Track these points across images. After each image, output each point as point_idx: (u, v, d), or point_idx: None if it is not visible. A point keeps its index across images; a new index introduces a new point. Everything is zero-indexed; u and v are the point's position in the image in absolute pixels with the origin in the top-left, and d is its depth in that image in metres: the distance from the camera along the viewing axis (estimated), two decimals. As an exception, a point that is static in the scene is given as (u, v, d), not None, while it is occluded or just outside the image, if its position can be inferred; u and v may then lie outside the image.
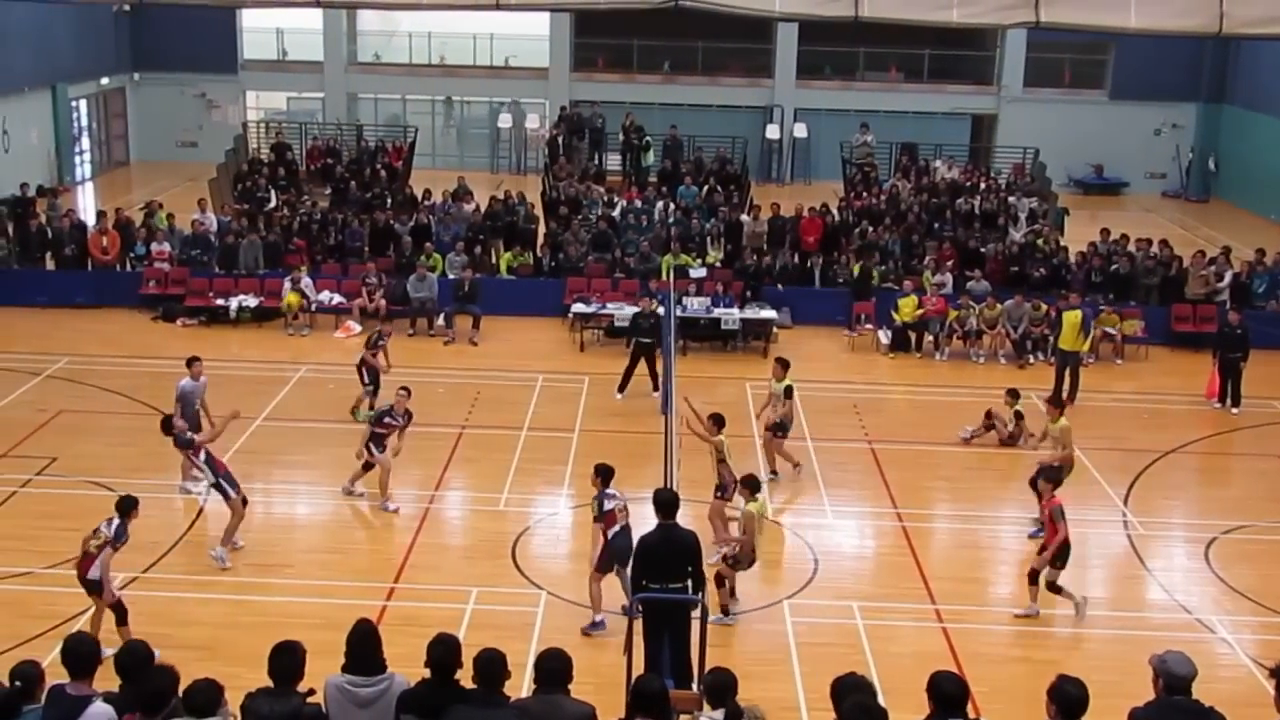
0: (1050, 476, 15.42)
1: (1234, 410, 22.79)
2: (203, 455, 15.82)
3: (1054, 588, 14.90)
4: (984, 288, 26.86)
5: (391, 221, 29.65)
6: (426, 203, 31.19)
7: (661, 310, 22.43)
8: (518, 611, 14.69)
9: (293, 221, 29.90)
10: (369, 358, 20.68)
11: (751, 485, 14.50)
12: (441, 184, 32.67)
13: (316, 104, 47.00)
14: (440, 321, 26.35)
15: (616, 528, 14.13)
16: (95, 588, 13.22)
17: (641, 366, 22.44)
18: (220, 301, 26.83)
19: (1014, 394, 20.57)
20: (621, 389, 22.43)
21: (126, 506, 13.51)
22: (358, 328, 26.18)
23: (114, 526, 13.31)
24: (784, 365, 18.86)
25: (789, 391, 18.66)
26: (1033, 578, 15.00)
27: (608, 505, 14.22)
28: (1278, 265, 28.02)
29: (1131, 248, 28.82)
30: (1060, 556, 14.76)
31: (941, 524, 18.36)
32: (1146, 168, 46.26)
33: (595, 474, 14.45)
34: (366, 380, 20.63)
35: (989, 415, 20.69)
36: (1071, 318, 23.05)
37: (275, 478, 18.69)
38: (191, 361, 18.49)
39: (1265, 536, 17.48)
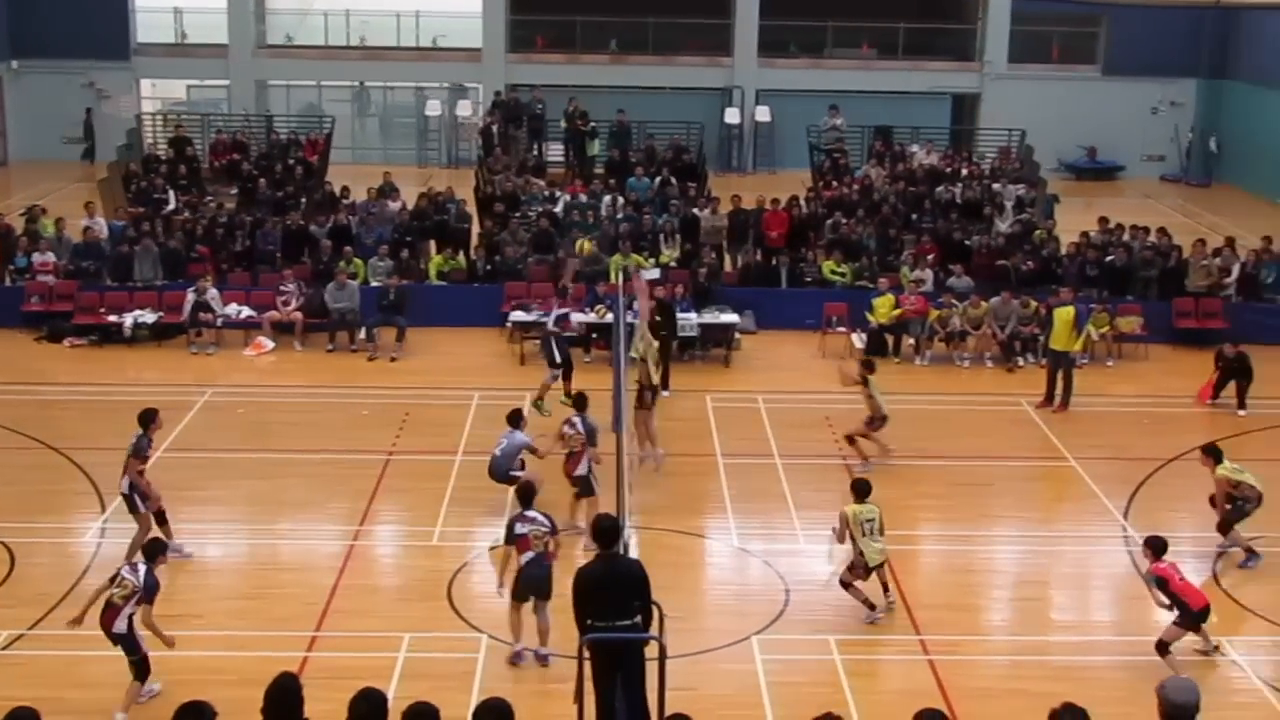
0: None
1: (1240, 412, 23.22)
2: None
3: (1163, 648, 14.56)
4: (967, 284, 27.05)
5: (307, 224, 29.54)
6: (346, 202, 31.08)
7: (610, 317, 22.55)
8: (456, 659, 14.60)
9: (195, 226, 29.71)
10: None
11: (860, 489, 15.83)
12: (363, 180, 32.57)
13: (221, 93, 46.71)
14: (363, 335, 26.26)
15: (529, 555, 14.28)
16: (123, 642, 13.32)
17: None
18: (113, 318, 26.57)
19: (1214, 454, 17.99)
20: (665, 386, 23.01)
21: (152, 552, 13.75)
22: (270, 345, 26.05)
23: (140, 573, 13.33)
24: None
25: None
26: (1162, 649, 14.54)
27: (519, 529, 14.37)
28: (1288, 253, 28.35)
29: (1128, 237, 29.12)
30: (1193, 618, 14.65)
31: (928, 546, 18.46)
32: (1143, 149, 46.75)
33: (515, 493, 14.61)
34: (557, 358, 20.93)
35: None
36: (1064, 315, 23.26)
37: (181, 516, 18.44)
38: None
39: (1278, 550, 17.63)
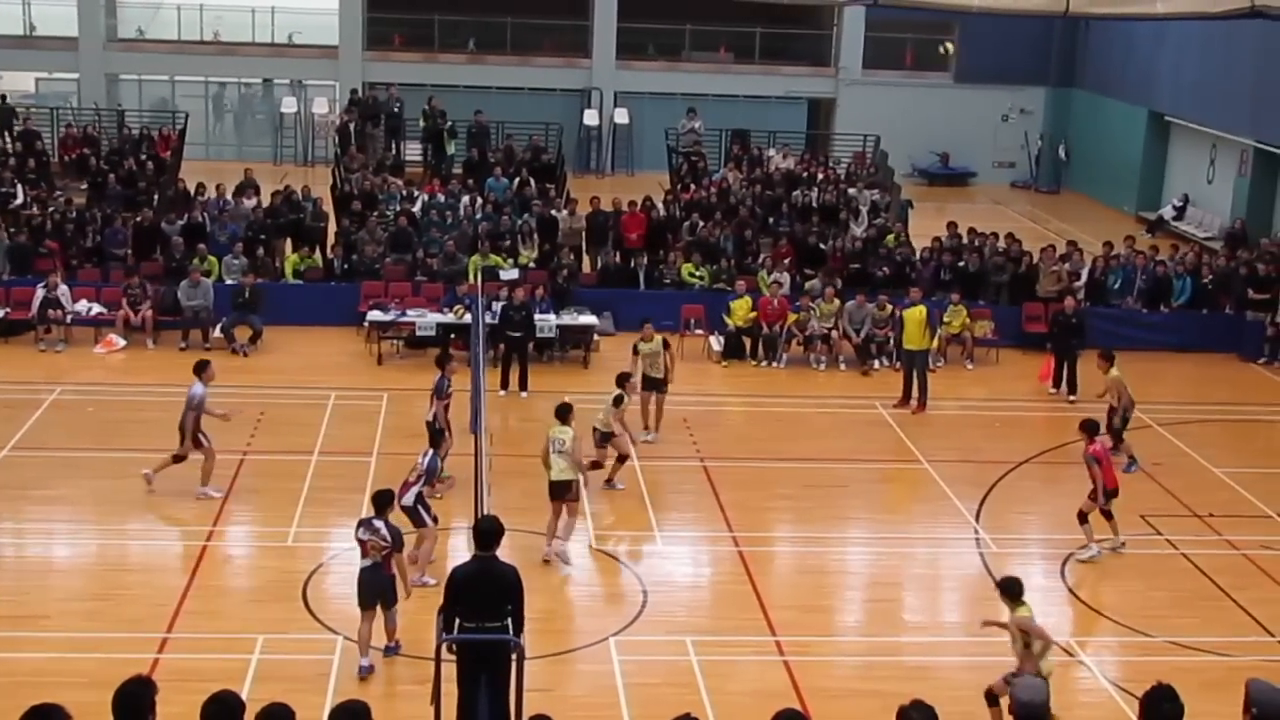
0: (1087, 427, 17.92)
1: (1070, 398, 24.20)
2: None
3: (1083, 518, 17.73)
4: (819, 285, 27.41)
5: (159, 220, 28.99)
6: (200, 198, 30.58)
7: (469, 318, 22.49)
8: (311, 660, 14.50)
9: (44, 221, 29.03)
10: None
11: (1013, 589, 13.14)
12: (217, 177, 32.09)
13: (70, 86, 45.66)
14: (217, 333, 25.85)
15: (365, 562, 14.16)
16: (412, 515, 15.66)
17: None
18: (-41, 314, 25.92)
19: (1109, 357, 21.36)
20: (504, 386, 23.66)
21: None
22: (121, 342, 25.57)
23: (427, 458, 15.99)
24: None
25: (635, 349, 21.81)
26: (1082, 518, 17.74)
27: (360, 534, 14.25)
28: (1130, 260, 29.11)
29: (982, 243, 29.68)
30: (1107, 496, 17.59)
31: (782, 548, 18.69)
32: (995, 156, 47.73)
33: (371, 498, 14.53)
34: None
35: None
36: (914, 314, 23.72)
37: (27, 515, 18.13)
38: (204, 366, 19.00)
39: (1124, 551, 18.11)
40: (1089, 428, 17.88)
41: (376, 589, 14.11)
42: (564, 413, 17.51)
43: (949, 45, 40.32)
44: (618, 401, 19.30)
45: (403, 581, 14.23)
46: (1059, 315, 25.33)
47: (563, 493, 17.09)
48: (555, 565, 17.05)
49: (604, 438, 19.31)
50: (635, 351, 21.81)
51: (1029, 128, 47.69)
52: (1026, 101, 47.55)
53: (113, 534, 17.85)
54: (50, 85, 46.63)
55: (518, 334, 23.77)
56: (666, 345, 22.14)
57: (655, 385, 21.76)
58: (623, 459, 19.57)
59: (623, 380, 19.75)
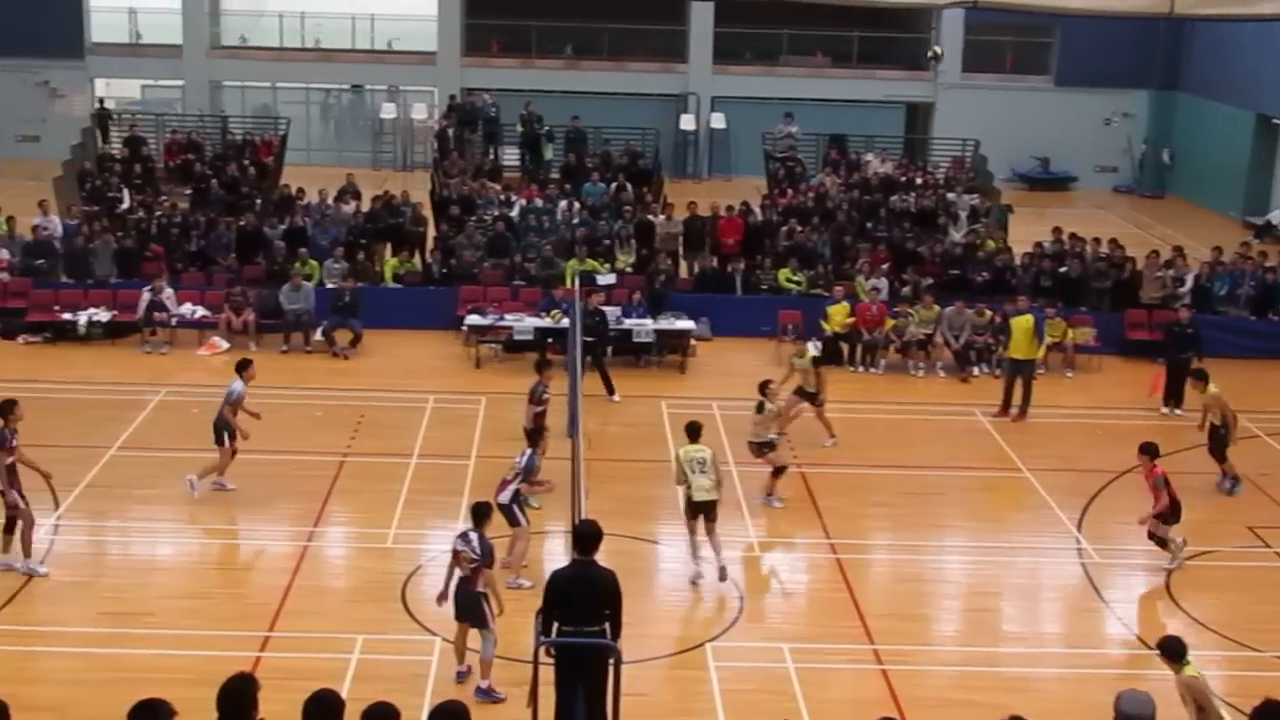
0: (1147, 450, 17.58)
1: (1176, 411, 23.60)
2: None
3: (1161, 542, 17.39)
4: (918, 286, 27.24)
5: (261, 224, 29.39)
6: (301, 203, 30.94)
7: (566, 322, 22.56)
8: (409, 661, 14.59)
9: (150, 225, 29.52)
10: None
11: (1175, 651, 12.26)
12: (317, 181, 32.43)
13: (175, 93, 46.44)
14: (318, 336, 26.14)
15: (459, 574, 14.00)
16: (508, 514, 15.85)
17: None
18: (67, 316, 26.39)
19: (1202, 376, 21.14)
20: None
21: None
22: (224, 344, 25.93)
23: (525, 457, 16.01)
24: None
25: (818, 362, 21.88)
26: (1152, 538, 17.47)
27: (455, 544, 14.11)
28: (1238, 266, 28.62)
29: (1083, 249, 29.31)
30: (1173, 515, 17.31)
31: (880, 555, 18.53)
32: (1096, 160, 47.13)
33: (470, 509, 14.44)
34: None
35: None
36: (1022, 323, 23.42)
37: (132, 514, 18.41)
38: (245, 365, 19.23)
39: (1229, 563, 17.84)
40: (1149, 450, 17.59)
41: (463, 603, 13.93)
42: (696, 431, 17.20)
43: (937, 50, 39.68)
44: (760, 409, 19.22)
45: (495, 597, 14.01)
46: (1173, 326, 24.83)
47: (707, 511, 16.74)
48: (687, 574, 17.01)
49: (760, 448, 19.27)
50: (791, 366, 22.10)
51: (1132, 131, 47.04)
52: (1129, 105, 46.89)
53: (215, 533, 18.12)
54: (156, 92, 47.43)
55: (591, 339, 23.50)
56: (815, 364, 21.96)
57: (808, 397, 21.71)
58: (779, 470, 19.42)
59: (764, 387, 19.53)
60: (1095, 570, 17.63)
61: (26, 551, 16.22)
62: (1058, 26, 45.86)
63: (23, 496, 16.20)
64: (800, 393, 21.69)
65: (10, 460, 16.04)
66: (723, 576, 16.68)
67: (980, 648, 15.81)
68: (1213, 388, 20.48)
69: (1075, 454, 21.97)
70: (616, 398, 23.69)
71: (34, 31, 43.99)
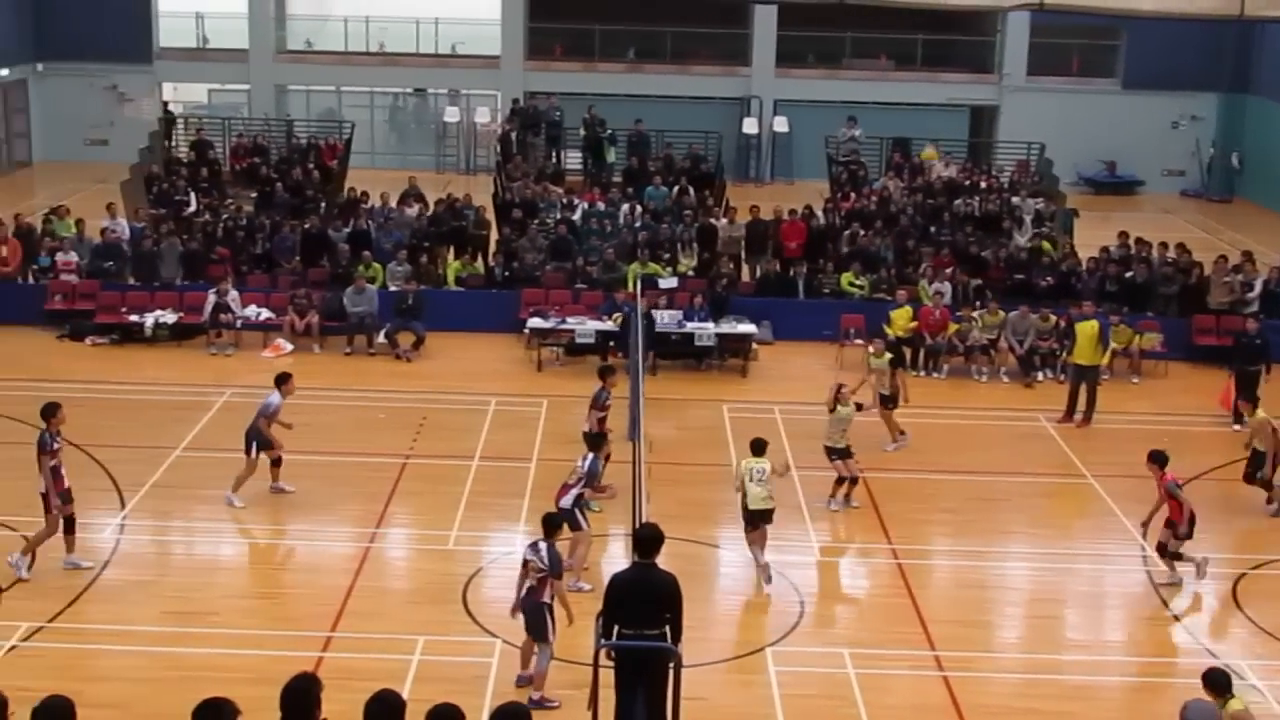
0: (1156, 459, 17.21)
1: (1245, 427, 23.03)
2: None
3: (1173, 554, 16.94)
4: (984, 296, 27.06)
5: (325, 227, 29.60)
6: (365, 206, 31.14)
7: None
8: (469, 663, 14.64)
9: (216, 228, 29.80)
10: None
11: (1220, 683, 11.63)
12: (381, 185, 32.66)
13: (241, 97, 46.90)
14: (381, 339, 26.29)
15: (528, 583, 13.91)
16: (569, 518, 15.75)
17: None
18: (135, 318, 26.71)
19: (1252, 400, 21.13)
20: None
21: None
22: (288, 346, 26.13)
23: (588, 461, 15.96)
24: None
25: (895, 364, 21.88)
26: (1161, 551, 17.01)
27: (525, 554, 14.06)
28: (1309, 272, 28.24)
29: (1149, 253, 29.02)
30: (1187, 527, 16.85)
31: (942, 561, 18.43)
32: (1163, 164, 46.63)
33: (542, 520, 14.39)
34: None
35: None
36: (1087, 329, 23.23)
37: (197, 514, 18.58)
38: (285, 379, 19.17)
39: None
40: (1158, 459, 17.23)
41: (527, 613, 13.85)
42: (761, 447, 17.16)
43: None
44: (833, 411, 19.26)
45: (565, 607, 13.93)
46: (1241, 336, 24.47)
47: (764, 519, 16.86)
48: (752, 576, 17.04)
49: (833, 453, 19.27)
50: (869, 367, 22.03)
51: (1200, 134, 46.52)
52: (1197, 108, 46.39)
53: (278, 534, 18.26)
54: (222, 96, 47.93)
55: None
56: (896, 366, 21.92)
57: (883, 401, 21.62)
58: (853, 480, 19.38)
59: (838, 390, 19.49)
60: (1160, 578, 17.43)
61: (26, 550, 16.25)
62: (1125, 28, 45.44)
63: (61, 502, 16.21)
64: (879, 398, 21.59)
65: (54, 463, 16.15)
66: (768, 578, 16.79)
67: (1043, 655, 15.67)
68: (1260, 413, 19.98)
69: (1140, 460, 21.58)
70: None
71: (103, 37, 44.59)
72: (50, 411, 16.29)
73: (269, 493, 18.92)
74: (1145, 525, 17.37)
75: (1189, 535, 16.94)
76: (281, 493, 18.98)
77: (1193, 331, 27.30)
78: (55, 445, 16.19)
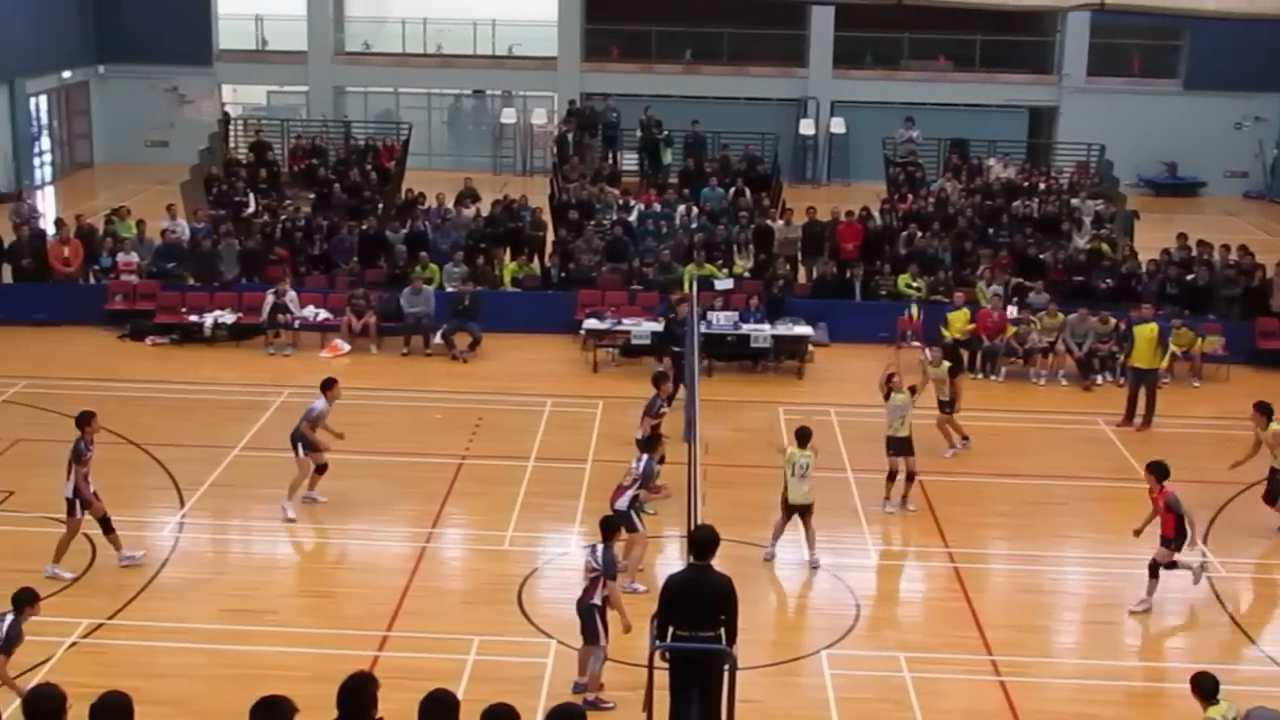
0: (1155, 470, 16.56)
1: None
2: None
3: (1171, 565, 16.34)
4: (1044, 299, 26.88)
5: (383, 228, 29.76)
6: (422, 207, 31.28)
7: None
8: (524, 663, 14.69)
9: (274, 229, 30.03)
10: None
11: (1207, 687, 11.87)
12: (438, 186, 32.82)
13: (300, 98, 47.27)
14: (438, 339, 26.41)
15: (584, 584, 13.94)
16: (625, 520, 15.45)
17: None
18: (194, 318, 26.95)
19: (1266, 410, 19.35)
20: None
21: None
22: (345, 347, 26.28)
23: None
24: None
25: (954, 370, 21.41)
26: (1153, 569, 16.38)
27: (586, 557, 14.08)
28: (1373, 275, 27.91)
29: (1211, 255, 28.75)
30: (1176, 540, 16.26)
31: (999, 565, 18.31)
32: (1226, 166, 46.19)
33: (599, 524, 14.39)
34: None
35: None
36: (1146, 331, 23.04)
37: (254, 513, 18.70)
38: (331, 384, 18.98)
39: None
40: (1157, 470, 16.62)
41: (579, 614, 13.85)
42: (806, 436, 17.28)
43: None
44: (888, 398, 19.30)
45: (619, 611, 13.87)
46: None
47: (801, 512, 17.21)
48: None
49: (898, 445, 19.25)
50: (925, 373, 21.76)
51: (1263, 135, 46.04)
52: (1261, 108, 45.90)
53: (335, 533, 18.34)
54: (281, 98, 48.30)
55: (680, 349, 23.15)
56: (955, 373, 21.70)
57: (942, 406, 21.53)
58: (909, 478, 19.32)
59: (889, 379, 19.52)
60: (1221, 584, 17.27)
61: (57, 557, 16.38)
62: (1187, 29, 45.04)
63: (85, 510, 16.33)
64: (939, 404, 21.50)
65: (85, 471, 16.29)
66: (815, 565, 17.31)
67: (1101, 661, 15.55)
68: (1275, 425, 18.86)
69: (1201, 465, 21.46)
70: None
71: (164, 40, 45.04)
72: (85, 420, 16.43)
73: (329, 489, 18.94)
74: (1137, 534, 16.89)
75: (1179, 548, 16.32)
76: (313, 502, 18.87)
77: (1256, 335, 27.02)
78: (88, 454, 16.36)
